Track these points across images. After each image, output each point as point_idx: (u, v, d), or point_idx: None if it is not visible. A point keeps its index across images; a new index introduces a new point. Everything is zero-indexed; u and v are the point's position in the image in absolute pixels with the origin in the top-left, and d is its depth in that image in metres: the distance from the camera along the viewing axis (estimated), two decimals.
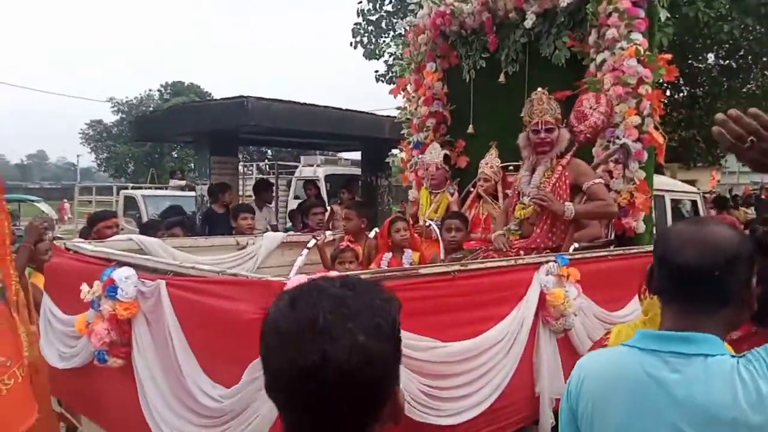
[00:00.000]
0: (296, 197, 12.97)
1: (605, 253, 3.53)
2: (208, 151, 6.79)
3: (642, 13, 3.94)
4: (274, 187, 7.73)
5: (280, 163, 13.57)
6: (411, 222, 5.07)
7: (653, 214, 4.19)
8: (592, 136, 3.76)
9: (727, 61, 11.11)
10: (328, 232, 4.32)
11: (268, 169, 16.24)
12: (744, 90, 12.05)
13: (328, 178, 12.31)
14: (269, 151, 28.81)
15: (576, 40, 4.32)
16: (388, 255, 3.98)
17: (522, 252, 3.36)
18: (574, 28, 4.36)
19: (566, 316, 2.86)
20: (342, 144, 9.40)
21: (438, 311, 2.40)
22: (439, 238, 3.96)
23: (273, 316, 0.83)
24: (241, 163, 19.73)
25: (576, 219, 3.44)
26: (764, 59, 10.60)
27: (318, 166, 13.07)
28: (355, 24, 11.02)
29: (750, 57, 10.62)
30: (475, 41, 4.96)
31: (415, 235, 4.20)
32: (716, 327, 1.19)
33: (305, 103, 6.57)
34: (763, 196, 13.12)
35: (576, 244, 3.55)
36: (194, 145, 7.39)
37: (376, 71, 12.87)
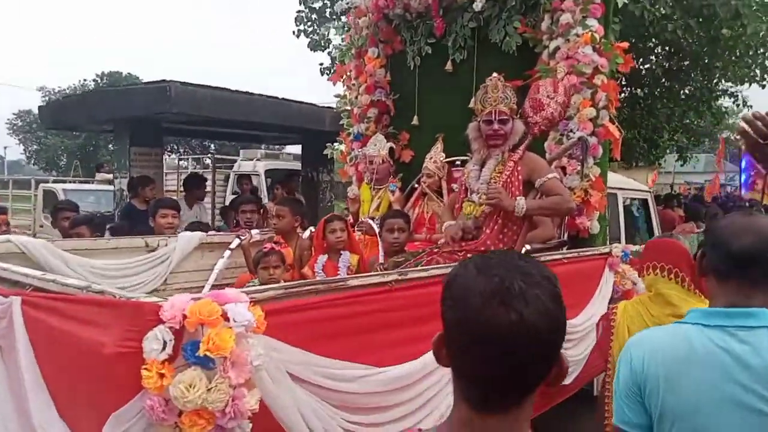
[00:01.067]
0: (235, 193, 12.32)
1: (559, 256, 3.22)
2: (128, 141, 6.14)
3: None
4: (207, 183, 7.12)
5: (218, 156, 12.86)
6: (351, 221, 4.68)
7: (607, 213, 3.92)
8: (547, 129, 3.44)
9: (670, 62, 11.21)
10: (254, 231, 3.84)
11: (208, 163, 15.49)
12: (684, 92, 12.23)
13: (269, 173, 11.72)
14: (212, 145, 27.82)
15: (528, 26, 4.01)
16: (323, 258, 3.56)
17: (470, 257, 3.00)
18: (526, 12, 4.05)
19: None
20: (279, 137, 8.84)
21: (372, 329, 2.00)
22: (379, 240, 3.56)
23: (462, 281, 0.90)
24: (179, 157, 18.84)
25: (528, 216, 3.10)
26: (705, 61, 10.72)
27: (258, 160, 12.41)
28: (298, 11, 10.48)
29: (690, 59, 10.74)
30: (421, 26, 4.58)
31: (355, 235, 3.79)
32: None
33: (235, 90, 6.03)
34: (706, 197, 13.40)
35: (528, 246, 3.23)
36: (114, 134, 6.71)
37: (321, 64, 12.36)
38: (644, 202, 5.22)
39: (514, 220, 3.12)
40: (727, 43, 9.57)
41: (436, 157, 4.19)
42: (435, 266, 2.51)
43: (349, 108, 4.95)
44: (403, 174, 4.68)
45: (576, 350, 3.17)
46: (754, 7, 8.88)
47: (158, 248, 3.52)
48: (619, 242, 4.40)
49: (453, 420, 0.93)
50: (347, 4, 4.80)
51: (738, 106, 13.07)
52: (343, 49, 4.93)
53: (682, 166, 18.18)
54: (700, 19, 9.01)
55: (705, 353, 1.32)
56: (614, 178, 4.54)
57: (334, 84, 5.00)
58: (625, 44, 3.75)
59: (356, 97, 4.85)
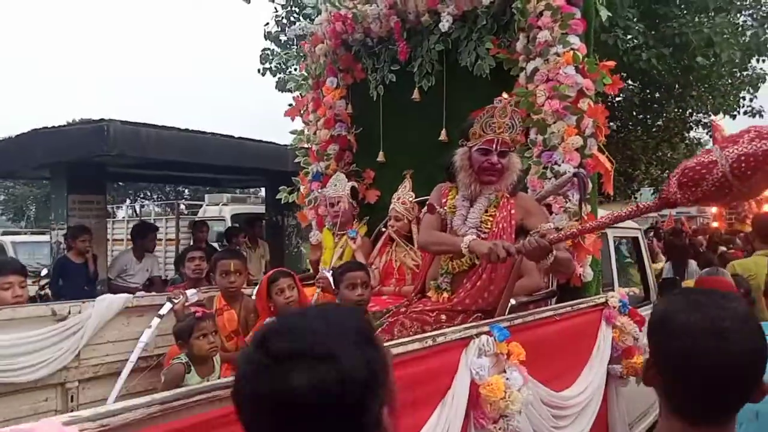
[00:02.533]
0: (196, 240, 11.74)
1: (550, 313, 2.69)
2: (66, 187, 5.53)
3: (578, 13, 3.24)
4: (157, 231, 6.51)
5: (184, 202, 12.23)
6: (312, 272, 4.11)
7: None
8: None
9: (644, 93, 11.04)
10: (190, 291, 3.24)
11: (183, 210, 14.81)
12: (657, 123, 12.08)
13: (236, 218, 11.14)
14: (186, 191, 27.12)
15: (501, 47, 3.57)
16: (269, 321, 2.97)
17: (443, 318, 2.45)
18: (498, 32, 3.62)
19: (508, 416, 1.97)
20: (238, 180, 8.27)
21: None
22: (336, 299, 2.99)
23: (678, 317, 1.06)
24: (140, 204, 18.09)
25: (518, 268, 2.57)
26: (679, 91, 10.55)
27: (224, 204, 11.86)
28: (263, 50, 10.06)
29: (664, 89, 10.56)
30: (383, 52, 4.13)
31: (307, 293, 3.22)
32: None
33: (184, 129, 5.50)
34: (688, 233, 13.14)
35: (513, 301, 2.69)
36: (51, 180, 6.09)
37: (290, 105, 11.87)
38: (635, 240, 4.75)
39: (504, 274, 2.59)
40: (701, 72, 9.42)
41: (404, 196, 3.67)
42: (397, 341, 1.93)
43: (307, 146, 4.43)
44: (370, 216, 4.15)
45: (573, 429, 2.61)
46: (726, 35, 8.73)
47: (69, 317, 2.90)
48: (613, 289, 3.90)
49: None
50: (302, 29, 4.34)
51: (711, 136, 12.98)
52: (299, 80, 4.45)
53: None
54: (673, 48, 8.82)
55: None
56: (601, 215, 4.06)
57: (292, 119, 4.49)
58: (612, 63, 3.31)
59: (314, 133, 4.35)
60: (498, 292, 2.60)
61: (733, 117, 11.86)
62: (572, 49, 3.20)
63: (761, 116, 12.04)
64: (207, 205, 12.41)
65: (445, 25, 3.62)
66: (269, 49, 9.72)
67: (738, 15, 9.64)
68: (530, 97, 3.23)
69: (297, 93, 4.58)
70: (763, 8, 9.57)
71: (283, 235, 7.48)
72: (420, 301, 2.69)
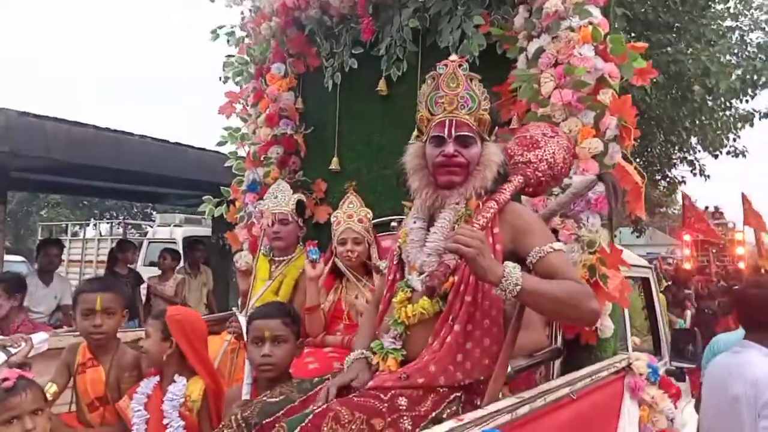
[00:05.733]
0: (152, 263, 10.68)
1: (566, 390, 1.77)
2: None
3: None
4: (62, 248, 5.48)
5: (130, 222, 11.16)
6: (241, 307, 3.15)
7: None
8: (546, 178, 2.00)
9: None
10: (38, 337, 2.24)
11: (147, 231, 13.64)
12: (637, 160, 11.49)
13: (188, 240, 10.09)
14: (154, 212, 25.72)
15: (494, 24, 2.75)
16: (150, 383, 2.01)
17: (402, 405, 1.50)
18: (490, 5, 2.80)
19: None
20: (182, 195, 7.25)
21: None
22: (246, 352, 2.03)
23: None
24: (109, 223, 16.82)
25: (520, 309, 1.66)
26: (666, 124, 9.95)
27: (176, 225, 10.80)
28: (228, 56, 9.17)
29: (653, 122, 9.94)
30: (344, 33, 3.27)
31: (218, 344, 2.26)
32: None
33: (105, 128, 4.53)
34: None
35: (510, 369, 1.77)
36: None
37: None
38: (645, 282, 3.89)
39: (492, 316, 1.68)
40: (694, 104, 8.85)
41: (360, 214, 2.75)
42: None
43: (244, 150, 3.51)
44: (319, 240, 3.20)
45: None
46: (724, 64, 8.18)
47: None
48: (625, 347, 3.03)
49: None
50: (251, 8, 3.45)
51: (695, 175, 12.44)
52: (237, 66, 3.55)
53: (638, 238, 17.54)
54: (668, 77, 8.20)
55: None
56: None
57: (227, 117, 3.56)
58: (644, 45, 2.49)
59: (253, 132, 3.44)
60: (481, 355, 1.67)
61: (716, 156, 11.36)
62: (591, 23, 2.38)
63: (744, 156, 11.58)
64: (158, 226, 11.35)
65: None
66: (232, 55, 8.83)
67: (739, 41, 9.14)
68: (534, 82, 2.38)
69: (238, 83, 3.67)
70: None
71: (230, 260, 6.45)
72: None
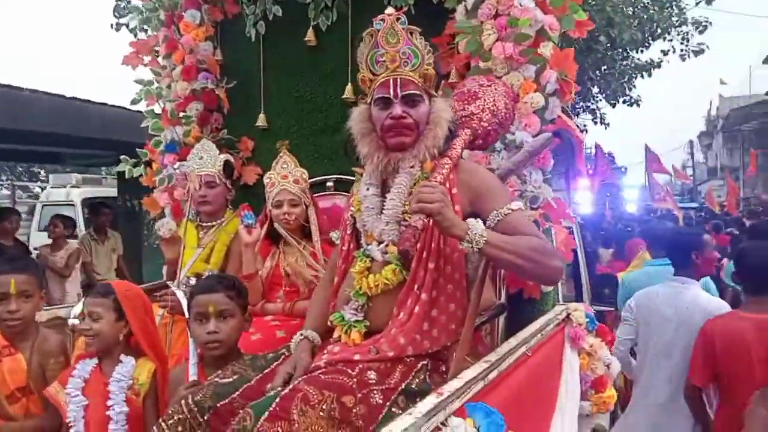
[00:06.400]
0: (46, 229, 9.85)
1: (523, 349, 1.79)
2: None
3: None
4: None
5: (17, 184, 10.16)
6: (166, 278, 2.95)
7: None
8: (493, 129, 1.97)
9: None
10: None
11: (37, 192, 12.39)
12: None
13: (87, 203, 9.34)
14: (42, 171, 23.58)
15: None
16: (87, 365, 1.84)
17: (372, 378, 1.44)
18: None
19: None
20: (81, 154, 6.67)
21: None
22: (188, 328, 1.89)
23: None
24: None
25: (485, 272, 1.63)
26: None
27: (73, 186, 9.96)
28: (118, 1, 8.40)
29: None
30: None
31: (152, 317, 2.08)
32: None
33: None
34: None
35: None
36: None
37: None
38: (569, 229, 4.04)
39: (456, 280, 1.64)
40: (597, 54, 9.20)
41: (295, 174, 2.61)
42: None
43: (158, 106, 3.21)
44: (249, 203, 3.00)
45: None
46: (626, 14, 8.51)
47: None
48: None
49: None
50: None
51: (596, 123, 13.10)
52: (144, 12, 3.19)
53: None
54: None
55: None
56: None
57: (133, 68, 3.22)
58: None
59: (168, 87, 3.14)
60: (447, 321, 1.64)
61: (613, 105, 11.98)
62: None
63: (638, 105, 12.28)
64: (51, 188, 10.41)
65: None
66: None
67: None
68: (477, 34, 2.30)
69: (144, 32, 3.32)
70: None
71: (141, 224, 6.09)
72: (327, 344, 1.66)
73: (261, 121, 3.09)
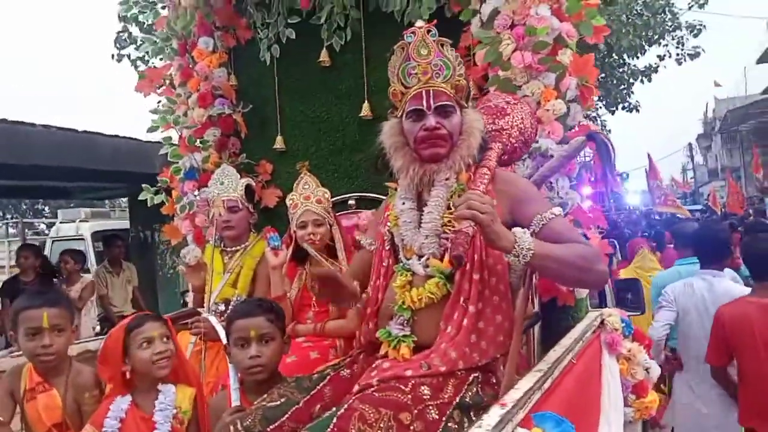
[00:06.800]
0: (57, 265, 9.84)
1: (569, 357, 1.77)
2: None
3: None
4: None
5: (24, 221, 10.17)
6: (194, 305, 2.93)
7: None
8: (519, 147, 1.96)
9: None
10: None
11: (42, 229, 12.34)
12: None
13: (98, 236, 9.34)
14: (46, 207, 23.61)
15: None
16: (122, 403, 1.81)
17: (426, 393, 1.42)
18: None
19: None
20: (91, 187, 6.69)
21: None
22: (227, 354, 1.86)
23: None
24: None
25: (530, 283, 1.62)
26: None
27: (82, 221, 9.96)
28: (119, 32, 8.46)
29: None
30: (276, 1, 3.03)
31: (183, 350, 2.06)
32: None
33: (2, 120, 4.02)
34: None
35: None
36: None
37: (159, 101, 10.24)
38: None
39: (501, 292, 1.62)
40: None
41: (318, 194, 2.60)
42: None
43: (176, 133, 3.23)
44: (271, 225, 2.99)
45: None
46: (623, 21, 8.58)
47: None
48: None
49: None
50: None
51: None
52: (157, 43, 3.22)
53: None
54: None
55: None
56: None
57: (145, 95, 3.24)
58: (597, 1, 2.48)
59: (184, 114, 3.16)
60: (495, 332, 1.62)
61: (612, 113, 12.02)
62: None
63: (638, 111, 12.33)
64: (60, 223, 10.41)
65: None
66: (127, 31, 8.15)
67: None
68: (497, 44, 2.31)
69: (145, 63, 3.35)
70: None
71: (154, 254, 6.06)
72: (372, 359, 1.64)
73: (279, 143, 3.10)
